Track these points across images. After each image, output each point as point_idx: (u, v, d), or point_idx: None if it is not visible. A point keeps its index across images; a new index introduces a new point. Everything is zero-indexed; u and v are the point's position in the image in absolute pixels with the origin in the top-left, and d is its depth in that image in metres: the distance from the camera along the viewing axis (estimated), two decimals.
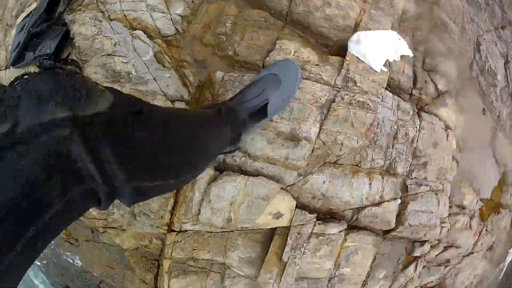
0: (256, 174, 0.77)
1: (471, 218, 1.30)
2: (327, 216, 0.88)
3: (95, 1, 0.86)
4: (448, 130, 1.11)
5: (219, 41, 0.85)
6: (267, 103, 0.62)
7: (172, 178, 0.35)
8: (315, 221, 0.84)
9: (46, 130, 0.24)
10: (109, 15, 0.86)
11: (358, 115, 0.86)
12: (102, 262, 0.93)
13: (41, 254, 0.28)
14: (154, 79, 0.79)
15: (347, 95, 0.84)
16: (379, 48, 0.89)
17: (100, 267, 0.93)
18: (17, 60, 0.81)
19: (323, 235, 0.85)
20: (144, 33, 0.85)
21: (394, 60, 0.98)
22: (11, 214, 0.22)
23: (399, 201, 0.94)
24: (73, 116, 0.25)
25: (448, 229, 1.16)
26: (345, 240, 0.88)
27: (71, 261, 0.99)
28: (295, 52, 0.86)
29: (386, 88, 0.96)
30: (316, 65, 0.87)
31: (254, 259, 0.85)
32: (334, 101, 0.83)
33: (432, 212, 1.02)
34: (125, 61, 0.79)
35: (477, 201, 1.35)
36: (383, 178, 0.91)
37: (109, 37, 0.81)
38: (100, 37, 0.81)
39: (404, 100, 1.03)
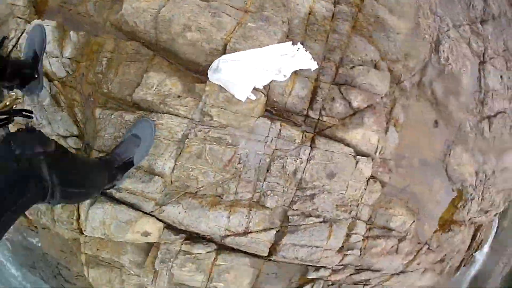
0: (121, 201, 0.91)
1: (400, 240, 1.16)
2: (197, 236, 0.97)
3: None
4: (359, 157, 0.96)
5: (97, 79, 0.94)
6: (132, 157, 0.86)
7: (78, 188, 0.68)
8: (181, 241, 0.95)
9: (36, 155, 0.57)
10: None
11: (214, 151, 0.85)
12: (56, 247, 1.27)
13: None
14: (50, 123, 0.96)
15: (200, 131, 0.84)
16: (245, 74, 0.81)
17: (55, 251, 1.28)
18: None
19: (190, 254, 0.95)
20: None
21: (277, 80, 0.88)
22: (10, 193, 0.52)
23: (273, 232, 0.94)
24: (43, 151, 0.58)
25: (360, 255, 1.08)
26: (216, 259, 0.97)
27: (34, 242, 1.35)
28: (157, 85, 0.87)
29: (265, 114, 0.89)
30: (178, 96, 0.87)
31: (141, 262, 1.04)
32: (187, 137, 0.85)
33: (316, 247, 0.98)
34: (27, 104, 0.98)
35: (413, 222, 1.17)
36: (250, 210, 0.91)
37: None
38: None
39: (295, 124, 0.94)
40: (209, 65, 0.86)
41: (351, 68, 0.98)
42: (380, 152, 1.04)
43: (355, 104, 0.96)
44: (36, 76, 0.90)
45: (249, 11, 0.86)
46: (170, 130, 0.86)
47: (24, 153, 0.55)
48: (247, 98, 0.83)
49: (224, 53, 0.84)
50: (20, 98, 0.69)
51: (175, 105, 0.86)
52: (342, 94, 0.95)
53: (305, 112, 0.92)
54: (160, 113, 0.86)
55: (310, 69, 0.91)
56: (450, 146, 1.37)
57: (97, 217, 0.91)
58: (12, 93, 0.68)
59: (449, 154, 1.36)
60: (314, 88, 0.93)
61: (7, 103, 0.68)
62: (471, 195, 1.43)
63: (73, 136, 0.96)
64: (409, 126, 1.24)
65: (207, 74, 0.87)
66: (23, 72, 0.87)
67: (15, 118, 0.69)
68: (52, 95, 0.96)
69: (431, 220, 1.30)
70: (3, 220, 0.50)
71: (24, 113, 0.72)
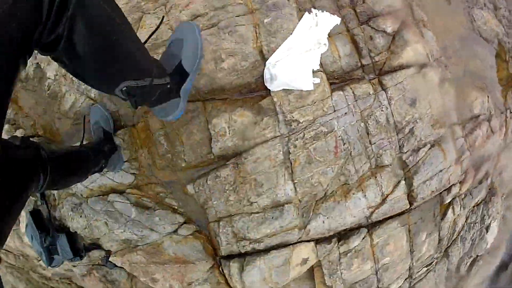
0: (268, 249, 0.88)
1: (489, 120, 1.20)
2: (346, 231, 0.96)
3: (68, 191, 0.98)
4: (424, 67, 0.99)
5: (168, 160, 0.90)
6: (181, 61, 0.69)
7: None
8: (337, 245, 0.93)
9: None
10: (81, 194, 0.98)
11: (319, 148, 0.84)
12: None
13: None
14: (152, 229, 0.91)
15: (297, 139, 0.83)
16: (297, 65, 0.81)
17: None
18: (51, 262, 1.01)
19: (349, 251, 0.94)
20: (115, 193, 0.95)
21: (323, 52, 0.87)
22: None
23: (402, 182, 0.94)
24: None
25: (470, 155, 1.11)
26: (372, 240, 0.96)
27: None
28: (228, 127, 0.85)
29: (333, 88, 0.89)
30: (254, 123, 0.86)
31: None
32: (289, 153, 0.84)
33: (441, 171, 0.98)
34: (122, 230, 0.93)
35: (488, 97, 1.21)
36: (376, 178, 0.91)
37: (96, 218, 0.94)
38: (92, 221, 0.95)
39: (359, 80, 0.94)
40: (259, 78, 0.85)
41: (363, 2, 0.99)
42: (431, 56, 1.07)
43: (389, 30, 0.97)
44: (116, 148, 0.87)
45: (254, 9, 0.85)
46: (269, 158, 0.83)
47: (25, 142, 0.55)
48: (313, 84, 0.83)
49: (265, 59, 0.83)
50: None
51: (258, 134, 0.84)
52: (374, 28, 0.96)
53: (359, 64, 0.93)
54: (250, 149, 0.84)
55: (337, 24, 0.92)
56: (469, 11, 1.41)
57: (255, 278, 0.87)
58: None
59: (473, 19, 1.40)
60: (351, 38, 0.94)
61: None
62: (508, 43, 1.48)
63: (182, 224, 0.92)
64: (431, 19, 1.27)
65: (263, 87, 0.86)
66: (103, 150, 0.82)
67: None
68: (134, 204, 0.91)
69: (498, 86, 1.35)
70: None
71: None
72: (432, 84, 1.01)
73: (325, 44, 0.88)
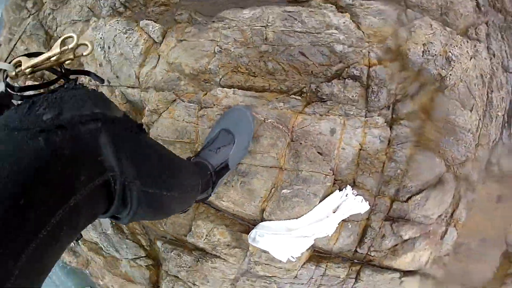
0: None
1: None
2: None
3: None
4: (404, 278, 0.96)
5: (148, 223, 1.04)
6: (228, 159, 0.66)
7: (166, 190, 0.42)
8: None
9: (84, 121, 0.31)
10: None
11: None
12: None
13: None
14: (117, 250, 1.10)
15: (248, 279, 0.91)
16: (281, 245, 0.81)
17: None
18: None
19: None
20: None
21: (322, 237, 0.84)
22: (46, 189, 0.26)
23: None
24: (103, 113, 0.32)
25: None
26: None
27: None
28: (207, 235, 0.94)
29: (309, 261, 0.91)
30: (227, 245, 0.94)
31: None
32: (238, 281, 0.95)
33: None
34: (96, 236, 1.14)
35: None
36: None
37: None
38: None
39: (340, 261, 0.94)
40: (253, 218, 0.88)
41: (407, 199, 0.88)
42: (429, 263, 1.03)
43: (406, 237, 0.91)
44: None
45: (284, 169, 0.79)
46: (223, 272, 0.97)
47: (59, 117, 0.29)
48: (288, 259, 0.87)
49: (262, 219, 0.84)
50: (86, 44, 0.37)
51: (225, 254, 0.94)
52: (393, 230, 0.90)
53: (353, 250, 0.93)
54: (213, 257, 0.96)
55: (360, 213, 0.86)
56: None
57: None
58: (70, 34, 0.36)
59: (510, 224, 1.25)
60: (364, 228, 0.90)
61: (55, 54, 0.35)
62: None
63: (142, 257, 1.15)
64: (470, 215, 1.14)
65: (253, 223, 0.90)
66: None
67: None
68: (114, 224, 1.11)
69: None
70: (30, 253, 0.25)
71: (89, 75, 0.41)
72: None
73: (328, 234, 0.84)
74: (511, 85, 1.14)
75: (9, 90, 0.35)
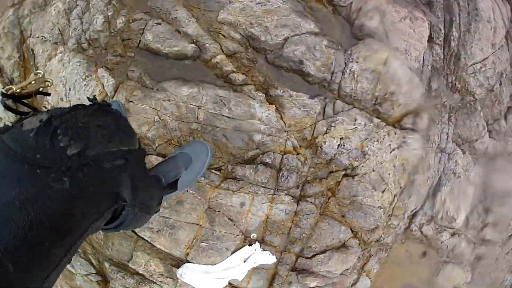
0: None
1: None
2: None
3: None
4: None
5: (99, 245, 1.30)
6: (179, 178, 0.78)
7: (147, 212, 0.54)
8: None
9: (110, 158, 0.36)
10: None
11: None
12: None
13: None
14: (72, 266, 1.42)
15: None
16: (202, 283, 1.07)
17: None
18: None
19: None
20: None
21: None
22: (70, 227, 0.33)
23: None
24: (129, 150, 0.38)
25: None
26: None
27: None
28: (145, 265, 1.21)
29: None
30: (161, 275, 1.21)
31: None
32: None
33: None
34: None
35: None
36: None
37: None
38: None
39: None
40: (180, 258, 1.15)
41: (311, 256, 1.12)
42: None
43: (311, 285, 1.17)
44: None
45: (203, 227, 1.03)
46: None
47: (84, 153, 0.33)
48: None
49: (187, 261, 1.10)
50: (49, 80, 0.52)
51: (160, 281, 1.22)
52: (298, 280, 1.15)
53: None
54: (151, 283, 1.24)
55: (268, 264, 1.11)
56: (439, 267, 1.49)
57: None
58: (39, 71, 0.52)
59: (437, 274, 1.50)
60: (272, 275, 1.15)
61: (32, 82, 0.49)
62: None
63: (92, 273, 1.44)
64: (387, 266, 1.38)
65: (181, 260, 1.16)
66: None
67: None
68: None
69: None
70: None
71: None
72: None
73: (239, 278, 1.10)
74: (444, 163, 1.32)
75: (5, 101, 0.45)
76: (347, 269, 1.24)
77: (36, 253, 0.31)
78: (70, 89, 1.23)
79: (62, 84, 1.25)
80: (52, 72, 1.32)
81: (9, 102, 0.45)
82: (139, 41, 1.15)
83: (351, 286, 1.32)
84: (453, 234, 1.46)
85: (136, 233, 1.19)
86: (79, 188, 0.33)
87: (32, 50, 1.41)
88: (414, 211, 1.32)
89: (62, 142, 0.33)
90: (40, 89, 0.50)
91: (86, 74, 1.18)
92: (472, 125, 1.51)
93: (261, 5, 1.04)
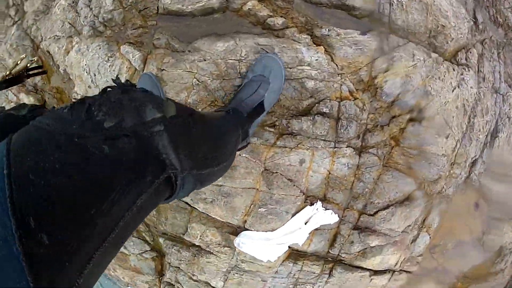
0: None
1: None
2: None
3: None
4: (373, 277, 1.18)
5: (151, 221, 1.29)
6: (263, 100, 0.77)
7: (216, 166, 0.50)
8: None
9: (146, 127, 0.36)
10: None
11: (249, 283, 1.21)
12: None
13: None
14: (125, 247, 1.42)
15: (237, 273, 1.19)
16: (261, 251, 1.04)
17: None
18: None
19: None
20: None
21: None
22: (116, 195, 0.30)
23: None
24: (164, 116, 0.38)
25: None
26: None
27: None
28: (200, 236, 1.19)
29: (287, 258, 1.14)
30: (218, 245, 1.19)
31: None
32: (229, 273, 1.21)
33: None
34: None
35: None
36: None
37: None
38: None
39: (315, 258, 1.17)
40: (238, 225, 1.11)
41: (374, 213, 1.05)
42: (399, 264, 1.24)
43: (373, 244, 1.11)
44: None
45: (259, 191, 0.98)
46: (216, 266, 1.24)
47: (121, 124, 0.34)
48: (268, 260, 1.11)
49: (245, 228, 1.06)
50: (33, 60, 0.60)
51: (217, 251, 1.20)
52: (361, 239, 1.09)
53: (325, 251, 1.15)
54: (208, 253, 1.23)
55: (330, 224, 1.05)
56: (491, 224, 1.39)
57: None
58: (22, 55, 0.60)
59: (489, 232, 1.40)
60: (334, 235, 1.10)
61: (19, 62, 0.58)
62: (510, 250, 1.53)
63: (147, 251, 1.44)
64: (444, 219, 1.30)
65: (238, 227, 1.13)
66: None
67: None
68: None
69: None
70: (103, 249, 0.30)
71: (37, 71, 0.61)
72: (374, 286, 1.25)
73: (300, 242, 1.05)
74: (500, 106, 1.18)
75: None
76: (408, 226, 1.17)
77: (80, 223, 0.27)
78: (95, 75, 1.17)
79: (86, 72, 1.20)
80: (73, 65, 1.26)
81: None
82: (157, 7, 1.06)
83: (411, 243, 1.25)
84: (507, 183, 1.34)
85: (189, 205, 1.16)
86: (120, 155, 0.32)
87: (48, 51, 1.36)
88: (474, 158, 1.21)
89: (98, 116, 0.33)
90: (28, 65, 0.56)
91: (109, 55, 1.11)
92: None
93: None
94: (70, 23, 1.26)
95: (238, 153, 0.91)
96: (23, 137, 0.30)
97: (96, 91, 1.21)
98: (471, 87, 1.09)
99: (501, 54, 1.28)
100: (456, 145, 1.11)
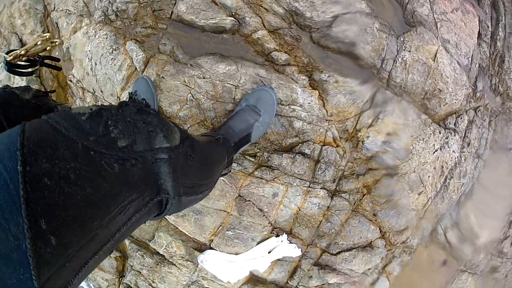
0: None
1: None
2: None
3: None
4: None
5: None
6: (251, 131, 0.80)
7: (200, 193, 0.54)
8: None
9: (153, 153, 0.40)
10: None
11: None
12: None
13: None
14: None
15: None
16: (222, 271, 1.04)
17: None
18: None
19: None
20: None
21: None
22: (117, 211, 0.34)
23: None
24: (170, 147, 0.42)
25: None
26: None
27: None
28: (166, 246, 1.18)
29: (247, 282, 1.15)
30: (181, 257, 1.18)
31: None
32: (189, 286, 1.21)
33: None
34: None
35: None
36: None
37: None
38: None
39: (273, 287, 1.18)
40: (204, 243, 1.11)
41: (337, 253, 1.08)
42: None
43: (331, 281, 1.13)
44: None
45: (231, 214, 0.99)
46: (177, 278, 1.24)
47: (133, 147, 0.37)
48: (228, 281, 1.11)
49: (210, 247, 1.06)
50: (56, 40, 0.55)
51: (180, 264, 1.20)
52: (319, 275, 1.12)
53: (284, 281, 1.16)
54: (170, 264, 1.22)
55: (292, 257, 1.07)
56: (455, 276, 1.44)
57: None
58: (46, 34, 0.54)
59: (451, 283, 1.46)
60: (294, 267, 1.12)
61: (38, 43, 0.52)
62: None
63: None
64: (407, 270, 1.34)
65: (203, 245, 1.13)
66: None
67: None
68: None
69: None
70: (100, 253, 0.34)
71: (53, 61, 0.58)
72: None
73: (262, 269, 1.07)
74: (479, 171, 1.25)
75: (11, 67, 0.49)
76: (369, 269, 1.20)
77: (84, 231, 0.30)
78: (96, 64, 1.17)
79: (88, 59, 1.19)
80: (76, 46, 1.25)
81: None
82: (172, 12, 1.07)
83: (370, 285, 1.29)
84: (474, 246, 1.41)
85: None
86: (126, 175, 0.35)
87: (57, 23, 1.34)
88: (443, 214, 1.26)
89: (113, 133, 0.36)
90: (47, 48, 0.51)
91: (114, 47, 1.11)
92: (509, 133, 1.43)
93: None
94: (84, 2, 1.24)
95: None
96: (38, 134, 0.31)
97: (93, 80, 1.20)
98: (453, 151, 1.14)
99: (493, 122, 1.34)
100: (427, 202, 1.15)
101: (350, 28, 0.90)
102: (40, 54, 0.53)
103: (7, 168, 0.27)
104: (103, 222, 0.32)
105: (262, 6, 0.95)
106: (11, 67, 0.50)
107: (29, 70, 0.52)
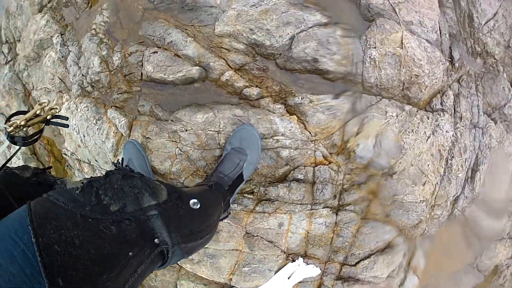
0: None
1: None
2: None
3: None
4: None
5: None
6: (242, 171, 0.84)
7: (200, 239, 0.58)
8: None
9: (144, 212, 0.45)
10: None
11: None
12: None
13: None
14: None
15: None
16: None
17: None
18: None
19: None
20: None
21: None
22: (122, 265, 0.39)
23: None
24: (158, 203, 0.47)
25: None
26: None
27: None
28: None
29: None
30: None
31: None
32: None
33: None
34: None
35: None
36: None
37: None
38: None
39: None
40: (229, 285, 1.13)
41: (356, 263, 1.07)
42: None
43: None
44: None
45: (243, 251, 1.00)
46: None
47: (124, 210, 0.41)
48: None
49: (231, 285, 1.07)
50: (56, 108, 0.56)
51: None
52: None
53: None
54: None
55: (313, 276, 1.07)
56: (483, 248, 1.41)
57: None
58: (44, 101, 0.55)
59: (481, 255, 1.42)
60: (318, 286, 1.11)
61: (38, 113, 0.54)
62: (507, 265, 1.54)
63: None
64: (433, 257, 1.31)
65: (228, 284, 1.14)
66: None
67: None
68: None
69: None
70: None
71: (59, 120, 0.59)
72: None
73: None
74: (479, 139, 1.22)
75: (14, 140, 0.52)
76: (393, 270, 1.19)
77: (95, 286, 0.35)
78: (84, 136, 1.20)
79: (76, 132, 1.22)
80: None
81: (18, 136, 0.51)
82: (141, 73, 1.09)
83: (399, 286, 1.27)
84: (494, 212, 1.37)
85: (177, 264, 1.17)
86: (124, 234, 0.40)
87: (39, 102, 1.39)
88: (455, 196, 1.24)
89: (105, 200, 0.41)
90: (48, 117, 0.55)
91: (97, 117, 1.14)
92: (499, 90, 1.40)
93: (256, 7, 0.94)
94: (60, 78, 1.28)
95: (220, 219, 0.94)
96: (42, 209, 0.37)
97: (85, 152, 1.24)
98: (446, 131, 1.12)
99: (479, 86, 1.31)
100: (435, 189, 1.14)
101: (308, 45, 0.90)
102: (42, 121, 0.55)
103: (23, 240, 0.33)
104: (111, 276, 0.37)
105: (222, 48, 0.97)
106: (13, 139, 0.53)
107: (31, 140, 0.54)
